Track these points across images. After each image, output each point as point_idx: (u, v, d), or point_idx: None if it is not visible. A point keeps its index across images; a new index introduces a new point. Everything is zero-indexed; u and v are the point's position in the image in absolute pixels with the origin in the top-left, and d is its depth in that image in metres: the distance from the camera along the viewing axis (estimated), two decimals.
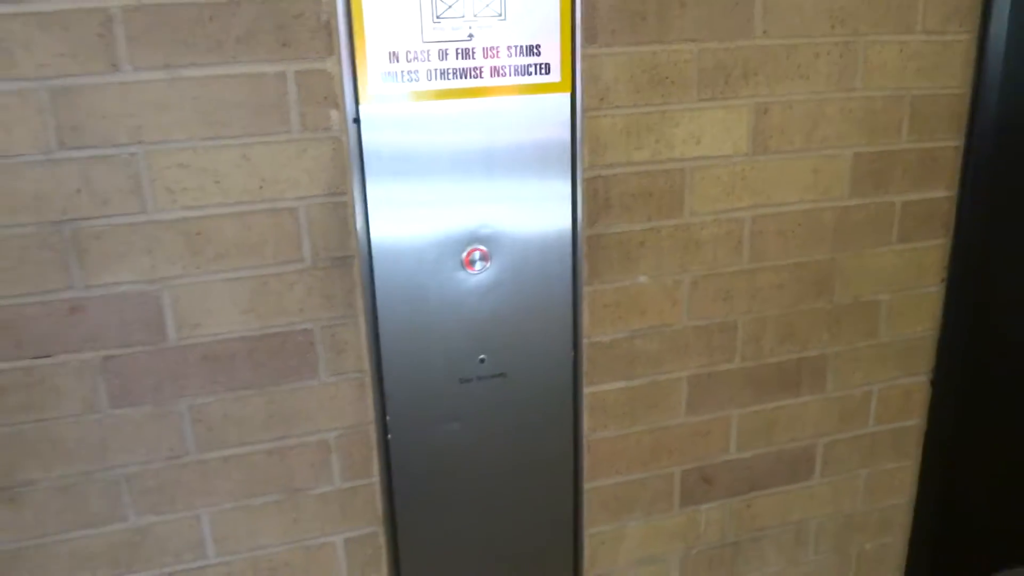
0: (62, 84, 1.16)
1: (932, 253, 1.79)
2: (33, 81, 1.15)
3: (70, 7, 1.13)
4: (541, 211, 1.42)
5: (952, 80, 1.65)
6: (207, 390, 1.36)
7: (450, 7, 1.26)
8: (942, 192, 1.74)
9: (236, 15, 1.19)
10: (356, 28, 1.23)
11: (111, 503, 1.38)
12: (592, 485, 1.70)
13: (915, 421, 1.94)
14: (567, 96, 1.37)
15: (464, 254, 1.41)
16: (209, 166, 1.25)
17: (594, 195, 1.47)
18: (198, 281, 1.30)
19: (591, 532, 1.73)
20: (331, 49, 1.25)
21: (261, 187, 1.28)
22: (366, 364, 1.43)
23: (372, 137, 1.29)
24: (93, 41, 1.15)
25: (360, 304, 1.39)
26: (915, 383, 1.90)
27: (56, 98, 1.16)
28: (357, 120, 1.28)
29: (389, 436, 1.48)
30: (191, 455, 1.40)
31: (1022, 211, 1.80)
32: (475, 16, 1.28)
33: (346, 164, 1.31)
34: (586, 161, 1.44)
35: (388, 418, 1.47)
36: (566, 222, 1.45)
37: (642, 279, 1.57)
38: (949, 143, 1.70)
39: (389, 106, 1.28)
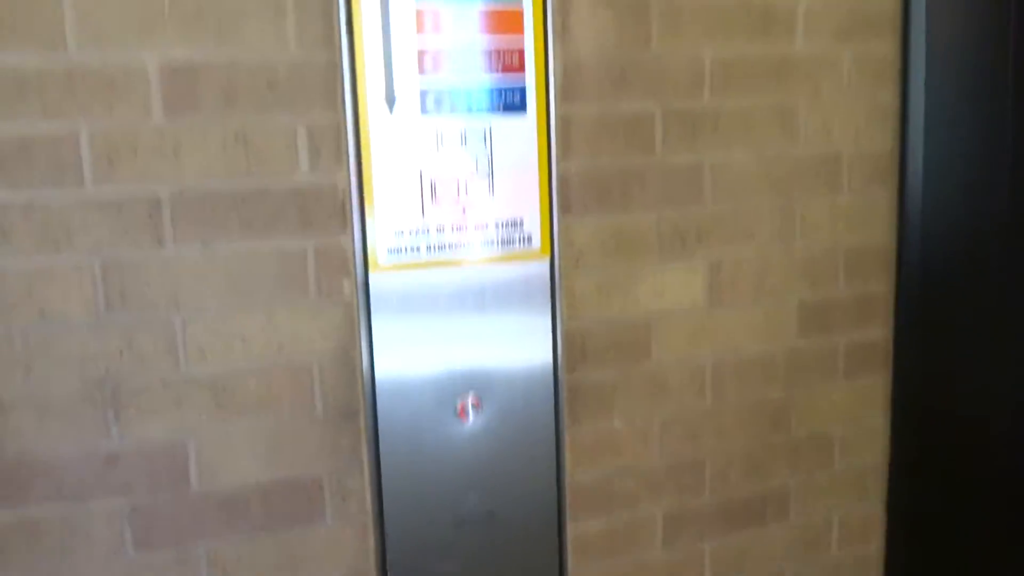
0: (114, 258, 1.43)
1: (875, 387, 2.10)
2: (89, 255, 1.42)
3: (127, 196, 1.42)
4: (526, 364, 1.70)
5: (878, 232, 2.02)
6: (223, 534, 1.57)
7: (447, 189, 1.58)
8: (879, 331, 2.07)
9: (265, 200, 1.49)
10: (367, 208, 1.54)
11: None
12: None
13: (874, 547, 2.20)
14: (547, 260, 1.69)
15: (458, 404, 1.67)
16: (236, 329, 1.52)
17: (572, 346, 1.76)
18: (221, 432, 1.54)
19: None
20: (345, 226, 1.55)
21: (281, 347, 1.55)
22: (368, 509, 1.67)
23: (379, 301, 1.58)
24: (143, 221, 1.44)
25: (365, 453, 1.64)
26: (871, 511, 2.17)
27: (107, 270, 1.43)
28: (366, 287, 1.57)
29: None
30: None
31: (951, 345, 2.13)
32: (468, 195, 1.60)
33: (355, 326, 1.59)
34: (564, 316, 1.74)
35: (387, 561, 1.69)
36: (548, 372, 1.73)
37: (616, 423, 1.85)
38: (881, 288, 2.05)
39: (394, 274, 1.58)
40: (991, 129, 2.04)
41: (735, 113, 1.81)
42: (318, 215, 1.53)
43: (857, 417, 2.11)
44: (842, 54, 1.89)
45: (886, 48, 1.94)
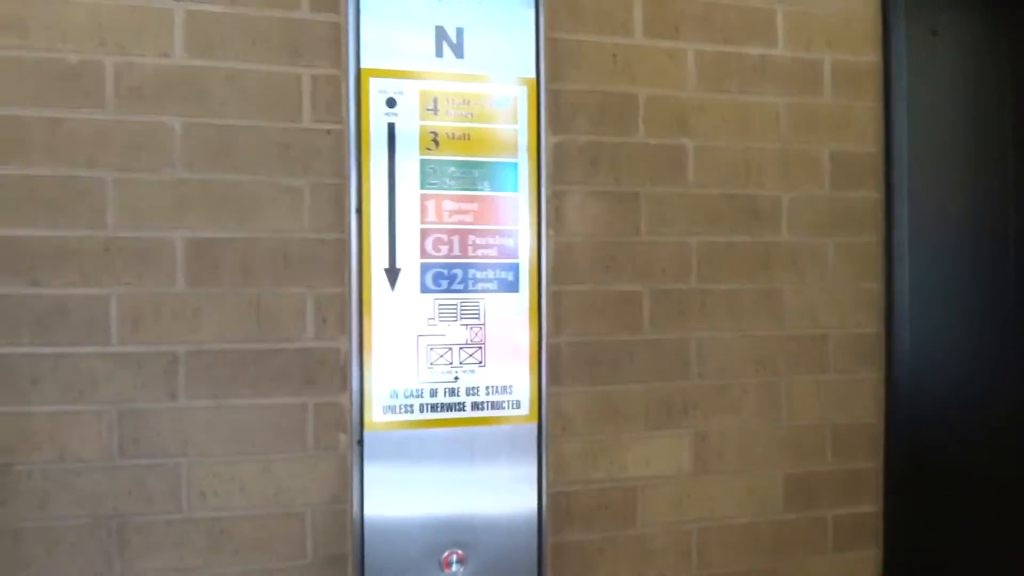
0: (131, 408, 1.58)
1: (866, 562, 2.12)
2: (108, 404, 1.57)
3: (147, 353, 1.58)
4: (511, 521, 1.79)
5: (865, 412, 2.08)
6: None
7: (441, 356, 1.72)
8: (868, 507, 2.11)
9: (273, 360, 1.65)
10: (366, 370, 1.68)
11: None
12: None
13: None
14: (534, 425, 1.80)
15: (443, 557, 1.76)
16: (237, 475, 1.65)
17: (557, 507, 1.85)
18: (216, 572, 1.65)
19: None
20: (344, 386, 1.69)
21: (276, 494, 1.67)
22: None
23: (372, 456, 1.70)
24: (160, 376, 1.60)
25: None
26: None
27: (123, 417, 1.58)
28: (360, 442, 1.69)
29: None
30: None
31: (943, 521, 2.16)
32: (460, 364, 1.73)
33: (349, 477, 1.70)
34: (550, 478, 1.83)
35: None
36: (533, 531, 1.81)
37: None
38: (868, 464, 2.10)
39: (387, 432, 1.70)
40: (976, 311, 2.13)
41: (721, 295, 1.93)
42: (320, 375, 1.68)
43: None
44: (826, 244, 2.01)
45: (869, 239, 2.05)
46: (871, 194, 2.06)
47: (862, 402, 2.09)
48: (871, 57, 2.05)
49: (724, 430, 1.97)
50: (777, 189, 1.97)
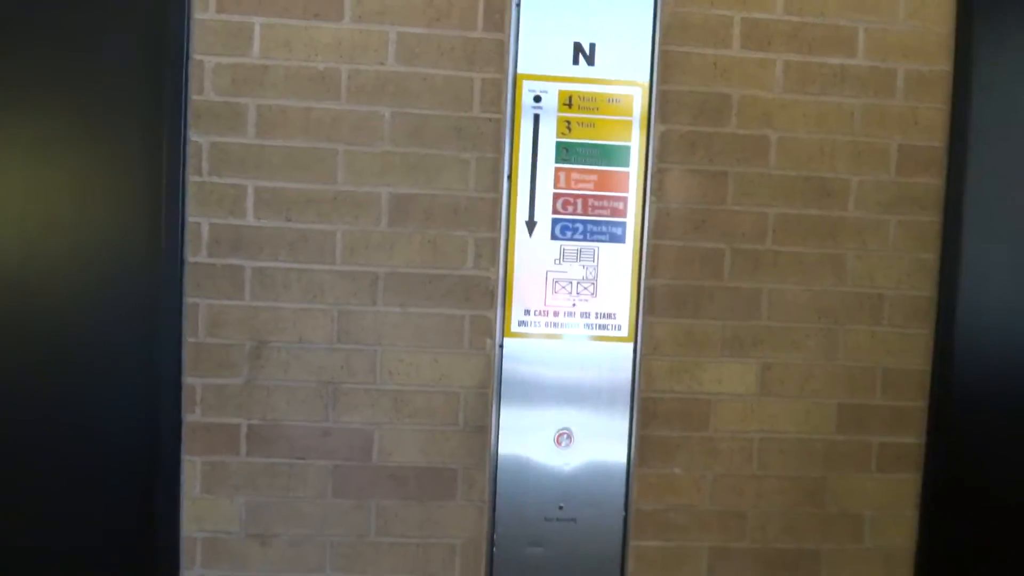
0: (346, 309, 2.27)
1: (906, 485, 2.54)
2: (332, 305, 2.26)
3: (358, 269, 2.25)
4: (610, 416, 2.36)
5: (914, 360, 2.49)
6: (389, 496, 2.35)
7: (563, 287, 2.30)
8: (912, 439, 2.53)
9: (443, 283, 2.28)
10: (507, 295, 2.29)
11: (319, 560, 2.36)
12: None
13: None
14: (631, 344, 2.35)
15: (556, 435, 2.36)
16: (414, 362, 2.31)
17: (646, 410, 2.40)
18: (396, 428, 2.32)
19: None
20: (491, 305, 2.31)
21: (440, 378, 2.32)
22: (486, 496, 2.38)
23: (509, 357, 2.31)
24: (366, 288, 2.27)
25: (488, 457, 2.37)
26: None
27: (341, 315, 2.27)
28: (501, 346, 2.31)
29: (495, 549, 2.40)
30: (371, 537, 2.37)
31: (980, 456, 2.55)
32: (578, 294, 2.31)
33: (491, 370, 2.33)
34: (642, 386, 2.39)
35: (495, 536, 2.40)
36: (626, 425, 2.38)
37: (677, 470, 2.45)
38: (915, 404, 2.51)
39: (521, 340, 2.30)
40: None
41: (791, 256, 2.39)
42: (475, 295, 2.30)
43: (888, 506, 2.55)
44: (889, 221, 2.42)
45: (930, 219, 2.43)
46: (933, 181, 2.44)
47: (912, 352, 2.49)
48: (943, 67, 2.40)
49: (787, 363, 2.44)
50: (847, 173, 2.40)
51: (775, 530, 2.49)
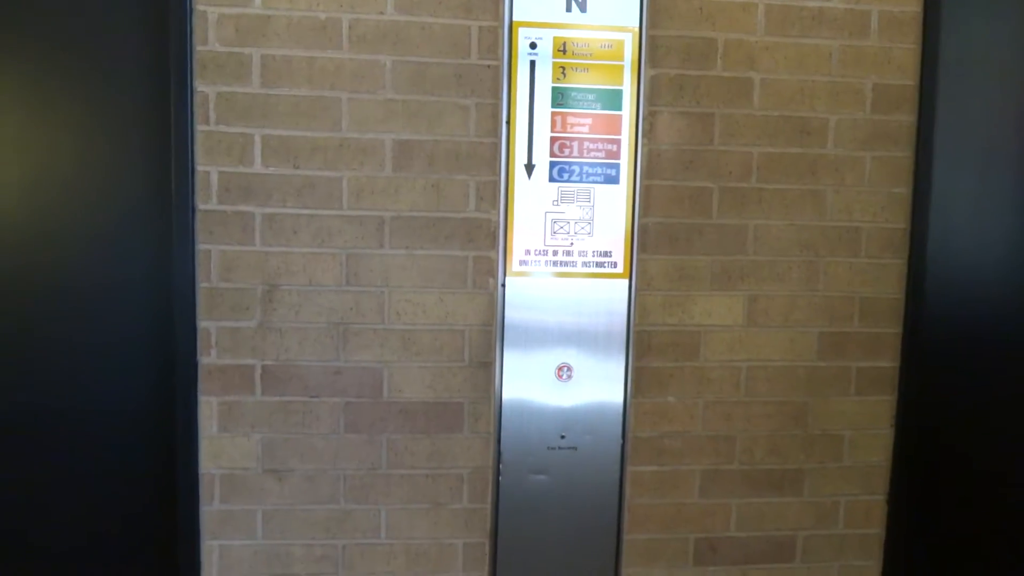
0: (354, 252, 2.35)
1: (882, 405, 2.70)
2: (340, 249, 2.34)
3: (365, 213, 2.33)
4: (607, 349, 2.48)
5: (889, 289, 2.63)
6: (399, 430, 2.46)
7: (561, 228, 2.40)
8: (888, 363, 2.68)
9: (446, 225, 2.37)
10: (508, 235, 2.38)
11: (333, 492, 2.47)
12: (630, 537, 2.65)
13: (876, 530, 2.80)
14: (626, 281, 2.46)
15: (556, 368, 2.48)
16: (420, 302, 2.40)
17: (641, 342, 2.52)
18: (405, 365, 2.42)
19: (627, 572, 2.68)
20: (493, 246, 2.40)
21: (446, 316, 2.42)
22: (492, 428, 2.50)
23: (511, 295, 2.41)
24: (373, 232, 2.35)
25: (492, 391, 2.48)
26: (874, 500, 2.78)
27: (349, 259, 2.35)
28: (503, 285, 2.41)
29: (500, 477, 2.52)
30: (382, 469, 2.48)
31: (953, 376, 2.71)
32: (575, 234, 2.41)
33: (494, 308, 2.43)
34: (636, 320, 2.50)
35: (501, 465, 2.52)
36: (622, 357, 2.50)
37: (670, 398, 2.59)
38: (890, 330, 2.66)
39: (522, 279, 2.40)
40: (993, 214, 2.63)
41: (775, 192, 2.51)
42: (477, 236, 2.39)
43: (865, 426, 2.71)
44: (864, 157, 2.54)
45: (903, 154, 2.56)
46: (906, 118, 2.56)
47: (887, 281, 2.63)
48: (913, 7, 2.51)
49: (771, 295, 2.57)
50: (826, 112, 2.51)
51: (762, 452, 2.63)
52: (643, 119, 2.38)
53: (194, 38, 2.23)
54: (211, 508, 2.41)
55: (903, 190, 2.57)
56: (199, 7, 2.22)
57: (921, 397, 2.70)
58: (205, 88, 2.25)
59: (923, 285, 2.62)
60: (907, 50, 2.51)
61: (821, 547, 2.73)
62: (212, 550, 2.42)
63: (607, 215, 2.40)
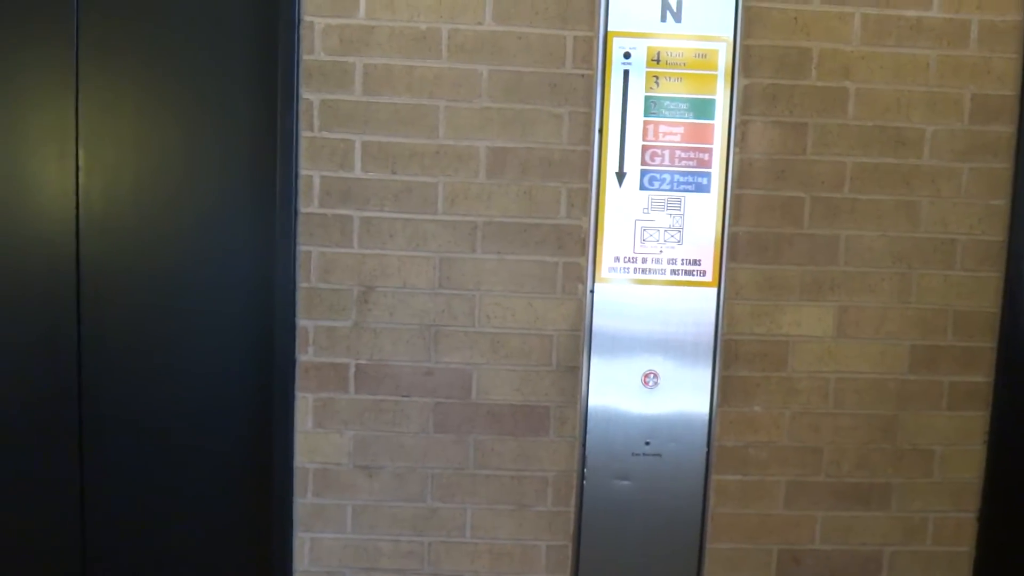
0: (447, 256, 2.40)
1: (975, 421, 2.64)
2: (434, 253, 2.39)
3: (458, 219, 2.38)
4: (694, 357, 2.48)
5: (985, 302, 2.56)
6: (486, 431, 2.49)
7: (651, 235, 2.41)
8: (981, 378, 2.62)
9: (537, 231, 2.40)
10: (598, 242, 2.40)
11: (421, 490, 2.52)
12: (713, 546, 2.64)
13: (966, 548, 2.73)
14: (715, 289, 2.46)
15: (643, 375, 2.49)
16: (510, 306, 2.44)
17: (727, 351, 2.52)
18: (493, 368, 2.46)
19: None
20: (583, 252, 2.42)
21: (535, 321, 2.45)
22: (577, 432, 2.52)
23: (599, 301, 2.43)
24: (466, 237, 2.39)
25: (579, 396, 2.50)
26: (964, 517, 2.71)
27: (442, 262, 2.40)
28: (592, 291, 2.43)
29: (584, 481, 2.54)
30: (469, 469, 2.52)
31: None
32: (664, 241, 2.42)
33: (583, 314, 2.45)
34: (724, 329, 2.50)
35: (585, 469, 2.54)
36: (709, 365, 2.50)
37: (757, 408, 2.57)
38: (985, 344, 2.60)
39: (611, 285, 2.42)
40: None
41: (868, 203, 2.48)
42: (568, 243, 2.42)
43: (957, 441, 2.64)
44: (962, 168, 2.49)
45: (1001, 166, 2.50)
46: (1005, 128, 2.50)
47: (983, 295, 2.57)
48: (1015, 16, 2.46)
49: (862, 306, 2.54)
50: (922, 123, 2.47)
51: (849, 465, 2.60)
52: (735, 128, 2.38)
53: (301, 48, 2.31)
54: (304, 501, 2.48)
55: (1001, 202, 2.51)
56: (306, 18, 2.30)
57: (1015, 413, 2.63)
58: (310, 95, 2.33)
59: (1020, 299, 2.56)
60: (1007, 60, 2.45)
61: (908, 563, 2.68)
62: (304, 542, 2.50)
63: (697, 223, 2.40)
